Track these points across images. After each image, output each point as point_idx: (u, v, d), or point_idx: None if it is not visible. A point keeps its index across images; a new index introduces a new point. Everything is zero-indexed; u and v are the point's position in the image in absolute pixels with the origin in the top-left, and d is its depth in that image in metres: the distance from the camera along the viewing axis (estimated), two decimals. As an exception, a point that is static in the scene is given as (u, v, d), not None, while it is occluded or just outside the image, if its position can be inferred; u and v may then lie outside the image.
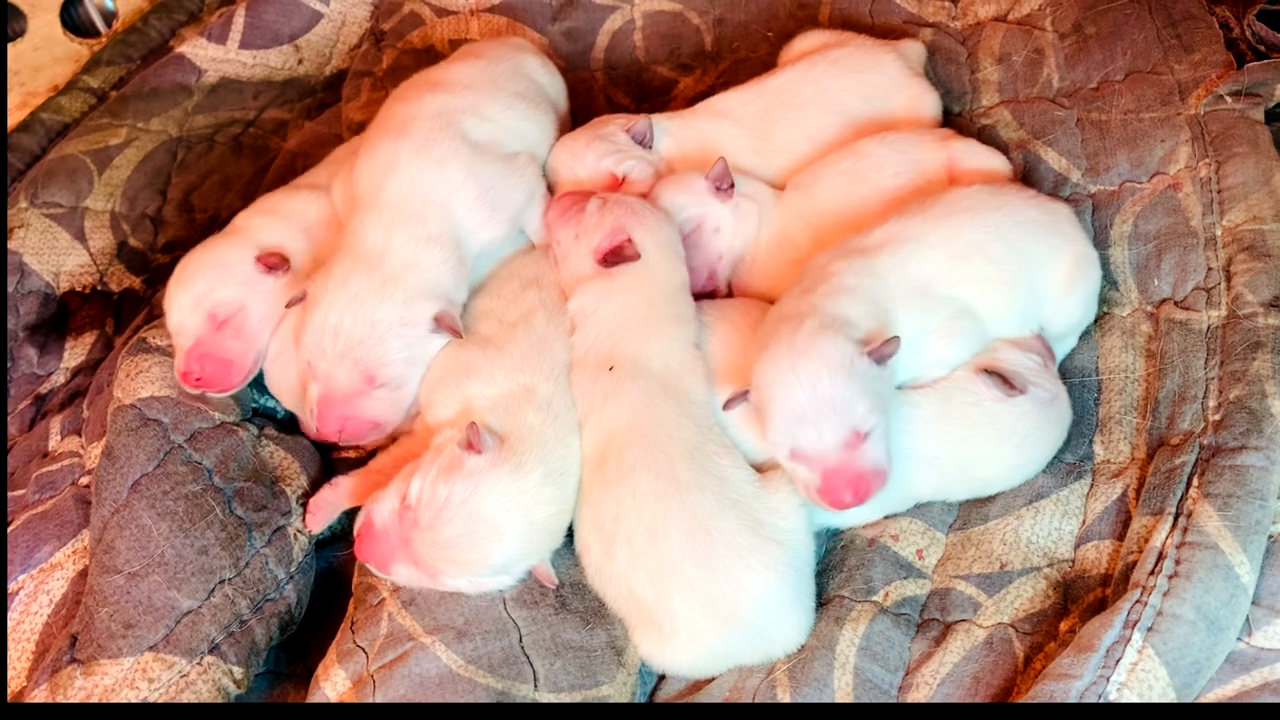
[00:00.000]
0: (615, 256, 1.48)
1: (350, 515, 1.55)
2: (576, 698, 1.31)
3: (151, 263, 1.94)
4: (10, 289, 1.83)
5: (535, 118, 1.69)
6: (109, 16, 2.24)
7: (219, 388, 1.50)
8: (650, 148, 1.71)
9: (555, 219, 1.57)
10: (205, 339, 1.50)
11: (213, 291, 1.51)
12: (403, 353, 1.44)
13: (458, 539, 1.29)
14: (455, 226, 1.51)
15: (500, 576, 1.33)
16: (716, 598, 1.28)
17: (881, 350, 1.31)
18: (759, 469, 1.40)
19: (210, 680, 1.30)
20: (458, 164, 1.52)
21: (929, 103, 1.75)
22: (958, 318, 1.40)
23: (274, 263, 1.54)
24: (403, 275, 1.45)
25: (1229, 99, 1.58)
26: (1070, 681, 1.16)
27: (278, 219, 1.62)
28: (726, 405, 1.37)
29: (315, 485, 1.49)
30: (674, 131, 1.74)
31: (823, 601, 1.37)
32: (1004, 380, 1.37)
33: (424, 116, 1.56)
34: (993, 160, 1.61)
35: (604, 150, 1.67)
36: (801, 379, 1.28)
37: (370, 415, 1.45)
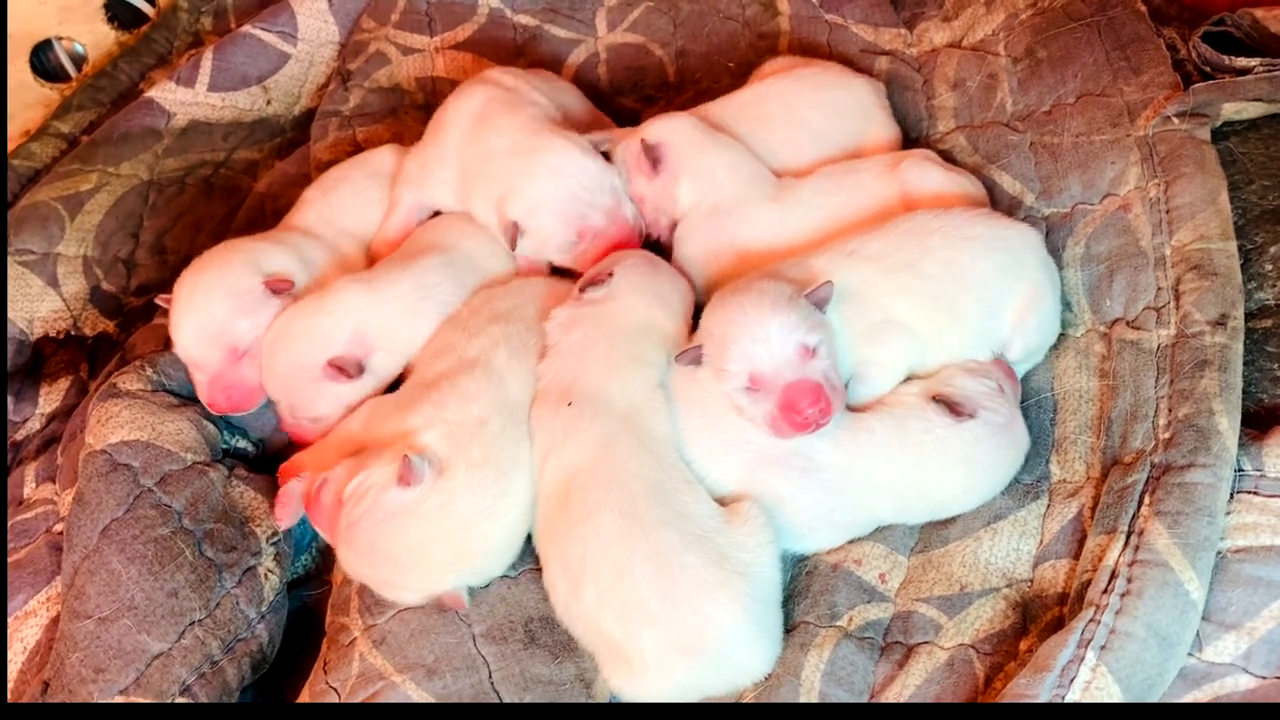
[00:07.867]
0: (588, 281, 1.54)
1: (323, 555, 1.57)
2: (545, 731, 1.32)
3: (125, 306, 1.95)
4: (-15, 335, 1.84)
5: None
6: (79, 61, 2.26)
7: (244, 410, 1.61)
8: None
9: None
10: (225, 371, 1.58)
11: (231, 325, 1.58)
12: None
13: (361, 553, 1.35)
14: None
15: (402, 594, 1.39)
16: (683, 633, 1.30)
17: (817, 294, 1.41)
18: (722, 503, 1.41)
19: (182, 723, 1.31)
20: None
21: (892, 134, 1.79)
22: (889, 323, 1.46)
23: (281, 287, 1.61)
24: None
25: (1176, 120, 1.60)
26: (1027, 701, 1.18)
27: (274, 244, 1.68)
28: (679, 358, 1.43)
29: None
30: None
31: (789, 628, 1.39)
32: (950, 406, 1.40)
33: None
34: (948, 182, 1.63)
35: None
36: (749, 313, 1.39)
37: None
